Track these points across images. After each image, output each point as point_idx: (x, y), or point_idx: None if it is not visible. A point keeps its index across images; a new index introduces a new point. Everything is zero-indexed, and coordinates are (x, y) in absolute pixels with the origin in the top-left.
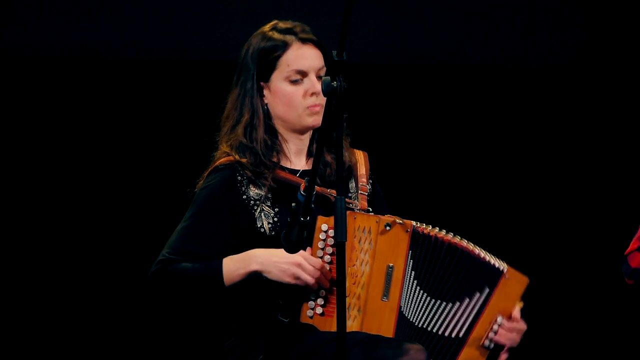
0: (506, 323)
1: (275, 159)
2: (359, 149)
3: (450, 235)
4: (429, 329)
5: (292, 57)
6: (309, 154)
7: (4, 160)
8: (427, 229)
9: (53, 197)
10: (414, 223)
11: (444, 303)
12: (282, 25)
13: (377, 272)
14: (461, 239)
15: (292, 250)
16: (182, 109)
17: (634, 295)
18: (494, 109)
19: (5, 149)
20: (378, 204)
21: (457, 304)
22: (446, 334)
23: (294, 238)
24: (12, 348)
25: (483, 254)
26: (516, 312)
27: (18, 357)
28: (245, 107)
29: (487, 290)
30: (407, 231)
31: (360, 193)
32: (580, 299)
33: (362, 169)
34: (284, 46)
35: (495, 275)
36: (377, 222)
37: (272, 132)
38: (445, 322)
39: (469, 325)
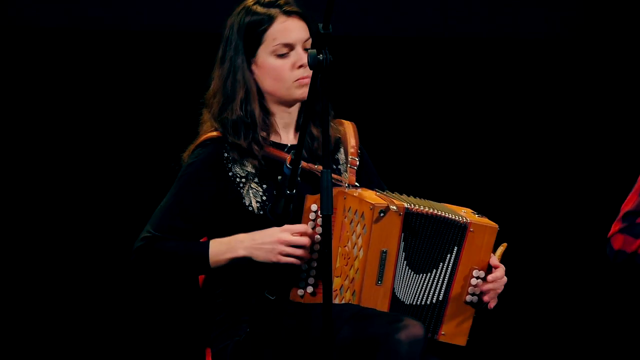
0: (483, 274)
1: (264, 134)
2: (347, 120)
3: (432, 206)
4: (417, 303)
5: (277, 30)
6: (297, 128)
7: None
8: (418, 206)
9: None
10: (405, 205)
11: (425, 274)
12: None
13: (371, 258)
14: (434, 205)
15: (278, 223)
16: (168, 83)
17: (622, 276)
18: (480, 81)
19: None
20: (367, 174)
21: (434, 270)
22: (427, 302)
23: (280, 211)
24: (13, 347)
25: (448, 214)
26: (493, 260)
27: (18, 356)
28: (238, 83)
29: (455, 250)
30: (400, 215)
31: (350, 167)
32: (570, 282)
33: (352, 140)
34: (269, 20)
35: (460, 231)
36: (371, 208)
37: (264, 107)
38: (426, 291)
39: (446, 287)
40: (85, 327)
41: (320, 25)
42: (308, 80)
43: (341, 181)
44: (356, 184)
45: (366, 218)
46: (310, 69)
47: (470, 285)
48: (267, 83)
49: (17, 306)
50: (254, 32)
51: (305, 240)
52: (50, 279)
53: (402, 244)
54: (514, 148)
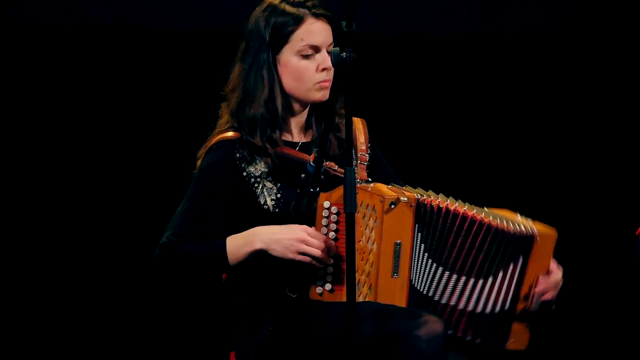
0: (544, 279)
1: (278, 133)
2: (358, 117)
3: (455, 204)
4: (463, 307)
5: (305, 31)
6: (307, 127)
7: None
8: (430, 199)
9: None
10: (417, 196)
11: (474, 279)
12: None
13: (385, 250)
14: (470, 207)
15: (302, 221)
16: (169, 82)
17: None
18: (488, 78)
19: None
20: (379, 170)
21: (491, 278)
22: (487, 310)
23: (303, 209)
24: (13, 346)
25: (506, 223)
26: (552, 265)
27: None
28: (262, 80)
29: (521, 260)
30: (411, 206)
31: (360, 163)
32: (594, 278)
33: (362, 137)
34: (298, 20)
35: (527, 242)
36: (381, 201)
37: (282, 105)
38: (483, 298)
39: (513, 296)
40: (106, 329)
41: (344, 24)
42: (329, 84)
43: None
44: (368, 179)
45: (377, 211)
46: (333, 67)
47: (536, 293)
48: (287, 82)
49: (34, 309)
50: (282, 30)
51: (323, 246)
52: (73, 280)
53: (419, 235)
54: (529, 147)
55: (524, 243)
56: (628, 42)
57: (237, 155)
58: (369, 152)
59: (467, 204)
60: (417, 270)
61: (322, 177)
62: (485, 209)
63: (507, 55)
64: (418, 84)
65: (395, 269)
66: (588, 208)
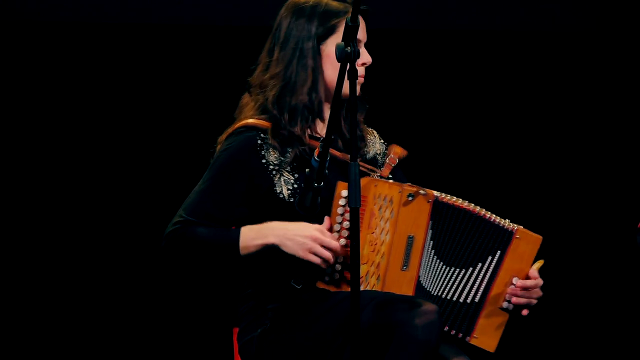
0: (520, 283)
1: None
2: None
3: (466, 203)
4: (445, 296)
5: None
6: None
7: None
8: (447, 197)
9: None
10: (436, 193)
11: (459, 270)
12: None
13: (397, 242)
14: (475, 206)
15: (307, 216)
16: (173, 76)
17: None
18: (498, 74)
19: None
20: (399, 177)
21: (471, 269)
22: (461, 299)
23: (308, 204)
24: (14, 345)
25: (494, 217)
26: (532, 272)
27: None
28: (307, 68)
29: (499, 253)
30: (429, 201)
31: (387, 163)
32: (593, 271)
33: (398, 150)
34: (345, 13)
35: (505, 237)
36: (399, 192)
37: (325, 95)
38: (460, 288)
39: (484, 289)
40: (106, 325)
41: (349, 18)
42: (362, 80)
43: (374, 171)
44: (389, 175)
45: (394, 202)
46: (338, 62)
47: (508, 292)
48: (328, 73)
49: (35, 307)
50: (329, 20)
51: (335, 245)
52: (80, 272)
53: (430, 232)
54: (532, 143)
55: (503, 236)
56: (632, 39)
57: (259, 142)
58: (397, 161)
59: (472, 204)
60: (425, 267)
61: (327, 171)
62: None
63: (515, 51)
64: (418, 82)
65: (406, 262)
66: (591, 205)
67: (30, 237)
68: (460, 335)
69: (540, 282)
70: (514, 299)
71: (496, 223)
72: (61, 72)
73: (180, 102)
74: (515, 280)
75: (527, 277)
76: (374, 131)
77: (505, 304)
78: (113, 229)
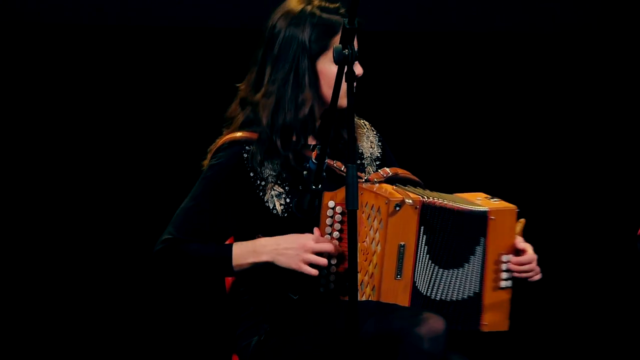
0: (513, 258)
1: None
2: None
3: (446, 201)
4: (447, 299)
5: None
6: (318, 132)
7: None
8: (433, 198)
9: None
10: (421, 198)
11: (455, 270)
12: (327, 4)
13: (389, 252)
14: (452, 199)
15: (305, 219)
16: (171, 79)
17: None
18: (498, 76)
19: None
20: (389, 167)
21: (465, 265)
22: (463, 297)
23: (306, 207)
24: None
25: (467, 207)
26: (519, 243)
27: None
28: (303, 87)
29: (482, 240)
30: (416, 208)
31: (379, 172)
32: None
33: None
34: (337, 28)
35: (481, 221)
36: (386, 203)
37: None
38: (459, 287)
39: (480, 278)
40: (105, 328)
41: (345, 21)
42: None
43: (360, 177)
44: (375, 180)
45: (382, 212)
46: (336, 65)
47: (501, 270)
48: (324, 89)
49: (35, 308)
50: (322, 38)
51: (329, 247)
52: (73, 278)
53: (424, 237)
54: (531, 144)
55: (479, 223)
56: (632, 38)
57: (245, 156)
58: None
59: (435, 192)
60: (420, 271)
61: (324, 174)
62: (449, 195)
63: (515, 52)
64: (417, 82)
65: (399, 271)
66: (592, 206)
67: (30, 237)
68: (472, 328)
69: (533, 256)
70: (515, 274)
71: (469, 211)
72: (61, 74)
73: (180, 104)
74: (504, 257)
75: (516, 249)
76: (366, 122)
77: (504, 283)
78: (112, 231)
